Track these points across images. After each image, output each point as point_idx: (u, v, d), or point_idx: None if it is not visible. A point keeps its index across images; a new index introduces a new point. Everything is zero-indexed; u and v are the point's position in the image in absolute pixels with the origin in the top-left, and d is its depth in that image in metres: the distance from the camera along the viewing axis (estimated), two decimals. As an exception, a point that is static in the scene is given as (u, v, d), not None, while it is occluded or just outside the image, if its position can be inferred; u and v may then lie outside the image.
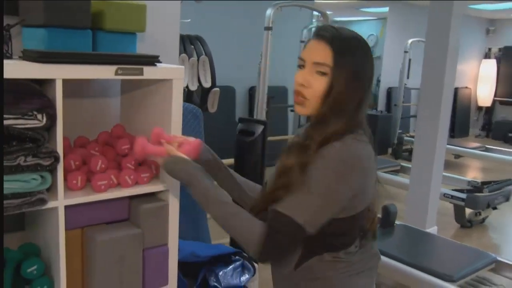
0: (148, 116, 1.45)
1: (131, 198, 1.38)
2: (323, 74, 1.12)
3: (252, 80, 6.08)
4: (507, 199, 4.59)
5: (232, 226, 1.13)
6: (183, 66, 1.34)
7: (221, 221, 1.13)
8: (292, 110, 6.45)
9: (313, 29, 1.24)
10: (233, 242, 2.28)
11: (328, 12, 4.22)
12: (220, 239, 2.66)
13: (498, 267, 2.98)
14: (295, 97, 1.17)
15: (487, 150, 6.69)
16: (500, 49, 10.45)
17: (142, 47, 1.51)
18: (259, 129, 2.47)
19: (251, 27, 5.80)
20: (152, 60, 1.28)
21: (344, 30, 1.15)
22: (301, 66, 1.16)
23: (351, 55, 1.12)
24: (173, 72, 1.32)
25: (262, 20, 3.68)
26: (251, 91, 6.44)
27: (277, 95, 5.35)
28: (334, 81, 1.11)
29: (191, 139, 1.27)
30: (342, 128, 1.12)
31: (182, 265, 1.52)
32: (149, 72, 1.26)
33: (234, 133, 6.87)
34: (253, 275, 1.79)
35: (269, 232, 1.08)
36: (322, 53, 1.11)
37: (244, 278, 1.76)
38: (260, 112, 3.94)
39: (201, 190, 1.14)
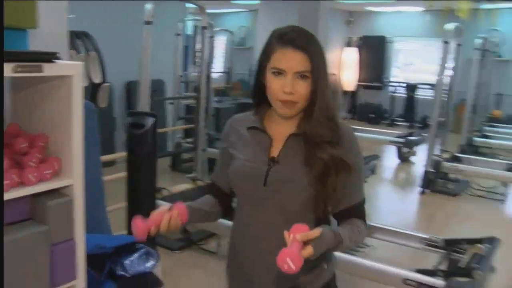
0: (46, 114, 1.44)
1: (35, 195, 1.38)
2: (306, 77, 1.25)
3: (129, 75, 6.00)
4: (373, 172, 5.16)
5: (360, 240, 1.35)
6: (81, 62, 1.37)
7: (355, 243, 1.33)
8: (171, 103, 6.50)
9: (278, 35, 1.29)
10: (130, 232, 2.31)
11: (201, 5, 4.34)
12: (121, 230, 2.68)
13: (369, 230, 3.40)
14: (283, 104, 1.26)
15: (354, 130, 7.38)
16: (360, 38, 11.50)
17: (32, 44, 1.49)
18: (149, 121, 2.52)
19: (124, 21, 5.72)
20: (50, 57, 1.29)
21: (307, 32, 1.29)
22: (277, 74, 1.25)
23: (322, 56, 1.29)
24: (73, 68, 1.34)
25: (134, 13, 3.68)
26: (129, 86, 6.35)
27: (155, 88, 5.37)
28: (316, 81, 1.25)
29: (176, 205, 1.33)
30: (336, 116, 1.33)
31: (89, 258, 1.54)
32: (48, 69, 1.27)
33: (114, 128, 6.69)
34: (157, 261, 1.86)
35: (365, 223, 1.39)
36: (303, 63, 1.24)
37: (149, 264, 1.82)
38: (144, 106, 3.96)
39: (346, 240, 1.25)
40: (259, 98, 1.36)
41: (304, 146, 1.29)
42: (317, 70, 1.25)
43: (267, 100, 1.32)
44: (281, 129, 1.33)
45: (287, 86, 1.23)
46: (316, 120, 1.27)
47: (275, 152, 1.31)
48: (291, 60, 1.24)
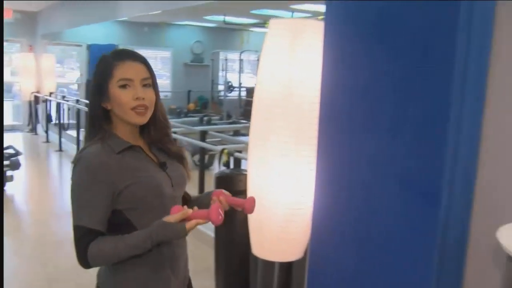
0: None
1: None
2: (149, 86, 1.39)
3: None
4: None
5: None
6: None
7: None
8: None
9: (113, 54, 1.40)
10: None
11: None
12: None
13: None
14: (137, 111, 1.35)
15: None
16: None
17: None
18: None
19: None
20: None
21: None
22: (124, 86, 1.34)
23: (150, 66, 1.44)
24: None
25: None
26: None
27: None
28: (156, 89, 1.41)
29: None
30: None
31: None
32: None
33: None
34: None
35: None
36: (145, 71, 1.38)
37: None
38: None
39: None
40: (99, 124, 1.40)
41: (152, 150, 1.47)
42: (155, 79, 1.42)
43: (107, 123, 1.40)
44: (137, 141, 1.44)
45: (138, 92, 1.34)
46: (160, 125, 1.45)
47: (154, 158, 1.45)
48: (135, 69, 1.36)
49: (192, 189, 5.45)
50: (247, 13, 8.78)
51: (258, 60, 10.70)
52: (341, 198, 1.93)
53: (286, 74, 1.96)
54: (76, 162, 1.34)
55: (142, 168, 1.39)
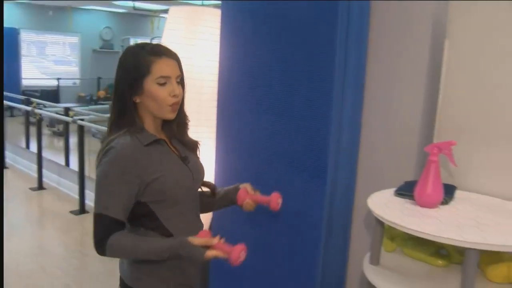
0: None
1: None
2: (179, 83, 1.39)
3: None
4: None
5: None
6: None
7: None
8: None
9: (150, 49, 1.38)
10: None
11: None
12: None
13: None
14: (172, 108, 1.38)
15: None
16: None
17: None
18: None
19: None
20: None
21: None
22: (163, 83, 1.35)
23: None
24: None
25: None
26: None
27: None
28: (183, 86, 1.42)
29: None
30: None
31: None
32: None
33: None
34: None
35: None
36: (178, 69, 1.39)
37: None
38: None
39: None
40: (131, 117, 1.38)
41: (173, 143, 1.48)
42: (183, 75, 1.43)
43: (135, 117, 1.38)
44: (160, 134, 1.45)
45: (175, 90, 1.36)
46: (184, 120, 1.48)
47: (176, 152, 1.46)
48: (171, 66, 1.36)
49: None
50: (157, -2, 8.67)
51: (169, 47, 10.62)
52: (239, 176, 2.07)
53: (186, 60, 2.05)
54: (105, 152, 1.32)
55: (167, 161, 1.40)
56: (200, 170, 1.50)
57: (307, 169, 1.82)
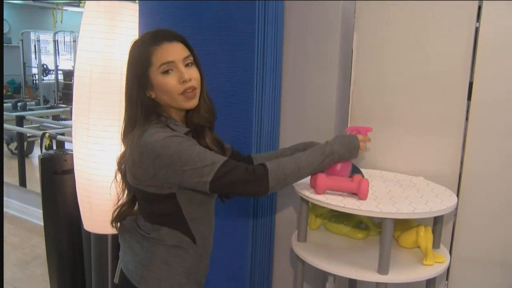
0: None
1: None
2: (191, 65, 1.26)
3: None
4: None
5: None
6: None
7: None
8: None
9: (150, 38, 1.26)
10: None
11: None
12: None
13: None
14: (186, 95, 1.24)
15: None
16: None
17: None
18: None
19: None
20: None
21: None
22: (167, 71, 1.22)
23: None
24: None
25: None
26: None
27: None
28: (199, 66, 1.29)
29: None
30: None
31: None
32: None
33: None
34: None
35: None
36: (184, 50, 1.25)
37: None
38: None
39: None
40: (156, 113, 1.27)
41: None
42: (195, 55, 1.29)
43: (163, 110, 1.28)
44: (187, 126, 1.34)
45: (183, 74, 1.22)
46: (206, 108, 1.32)
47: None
48: (174, 50, 1.24)
49: (12, 178, 5.03)
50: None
51: (74, 41, 10.13)
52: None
53: (105, 55, 2.03)
54: (143, 149, 1.18)
55: None
56: None
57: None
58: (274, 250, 2.09)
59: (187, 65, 1.25)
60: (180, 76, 1.23)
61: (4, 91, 10.28)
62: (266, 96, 1.90)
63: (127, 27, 2.17)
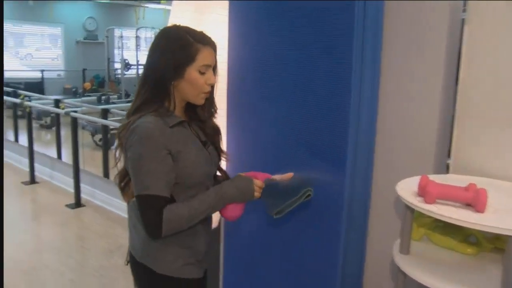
0: None
1: None
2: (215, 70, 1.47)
3: None
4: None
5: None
6: None
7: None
8: None
9: (198, 36, 1.32)
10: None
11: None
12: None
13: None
14: (206, 94, 1.44)
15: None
16: None
17: None
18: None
19: None
20: None
21: None
22: (205, 72, 1.40)
23: None
24: None
25: None
26: None
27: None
28: (216, 72, 1.47)
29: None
30: None
31: None
32: None
33: None
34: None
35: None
36: (215, 57, 1.44)
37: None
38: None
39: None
40: (162, 100, 1.41)
41: (192, 126, 1.50)
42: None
43: (170, 100, 1.42)
44: (184, 117, 1.48)
45: (212, 79, 1.42)
46: (211, 106, 1.52)
47: (197, 135, 1.49)
48: (212, 55, 1.41)
49: (97, 169, 5.26)
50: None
51: (155, 37, 10.45)
52: (250, 165, 2.04)
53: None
54: (131, 132, 1.34)
55: (189, 143, 1.42)
56: (216, 155, 1.54)
57: (326, 159, 1.80)
58: (366, 259, 1.97)
59: (213, 70, 1.44)
60: (208, 78, 1.40)
61: (90, 85, 10.82)
62: (364, 100, 1.78)
63: (215, 22, 2.13)
